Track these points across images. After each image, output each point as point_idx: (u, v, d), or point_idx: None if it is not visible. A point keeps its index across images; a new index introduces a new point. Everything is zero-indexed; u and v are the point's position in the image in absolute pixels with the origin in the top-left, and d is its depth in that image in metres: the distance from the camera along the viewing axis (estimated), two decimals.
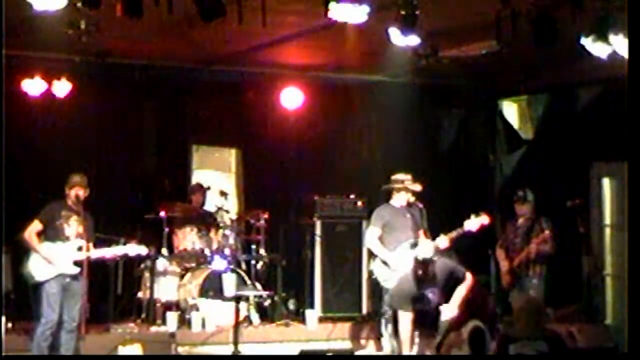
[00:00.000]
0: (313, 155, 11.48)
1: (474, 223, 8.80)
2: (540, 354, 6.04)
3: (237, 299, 9.07)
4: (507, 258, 9.78)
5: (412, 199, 8.94)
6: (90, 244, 8.36)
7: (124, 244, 8.76)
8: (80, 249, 8.27)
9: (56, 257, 8.21)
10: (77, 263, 8.27)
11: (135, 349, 8.61)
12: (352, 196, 10.81)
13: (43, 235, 8.30)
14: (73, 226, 8.35)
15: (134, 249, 8.73)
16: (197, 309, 9.69)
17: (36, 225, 8.27)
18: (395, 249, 8.84)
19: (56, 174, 8.99)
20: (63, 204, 8.39)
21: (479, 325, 6.38)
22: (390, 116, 11.42)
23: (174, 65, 10.63)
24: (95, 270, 8.71)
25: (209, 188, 10.90)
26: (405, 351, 8.30)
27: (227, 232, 10.38)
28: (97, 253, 8.44)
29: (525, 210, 9.78)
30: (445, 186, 11.51)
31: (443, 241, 8.69)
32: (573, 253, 10.54)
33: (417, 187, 8.93)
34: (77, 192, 8.34)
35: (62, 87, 10.00)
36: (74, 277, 8.28)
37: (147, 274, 9.98)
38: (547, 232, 9.56)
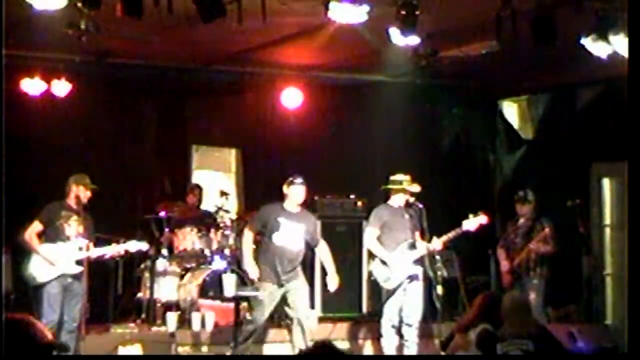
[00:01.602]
0: (313, 155, 11.47)
1: (472, 223, 8.80)
2: (526, 353, 6.02)
3: (237, 299, 9.07)
4: (507, 258, 9.78)
5: (411, 199, 8.92)
6: (91, 244, 8.36)
7: (124, 243, 8.75)
8: (81, 248, 8.27)
9: (58, 258, 8.21)
10: (79, 262, 8.26)
11: (135, 349, 8.61)
12: (352, 196, 10.80)
13: (43, 235, 8.30)
14: (73, 226, 8.35)
15: (135, 245, 8.72)
16: (197, 309, 9.69)
17: (36, 226, 8.27)
18: (394, 250, 8.84)
19: (56, 173, 9.00)
20: (63, 204, 8.39)
21: (488, 328, 6.34)
22: (390, 116, 11.41)
23: (174, 65, 10.62)
24: (95, 271, 8.71)
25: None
26: None
27: (227, 232, 10.37)
28: (98, 251, 8.44)
29: (526, 210, 9.77)
30: (445, 186, 11.51)
31: (437, 244, 8.68)
32: (573, 253, 10.54)
33: (416, 188, 8.91)
34: (78, 192, 8.34)
35: (61, 87, 10.00)
36: (75, 277, 8.28)
37: (147, 274, 9.97)
38: (547, 230, 9.56)
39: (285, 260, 8.56)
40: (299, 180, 8.66)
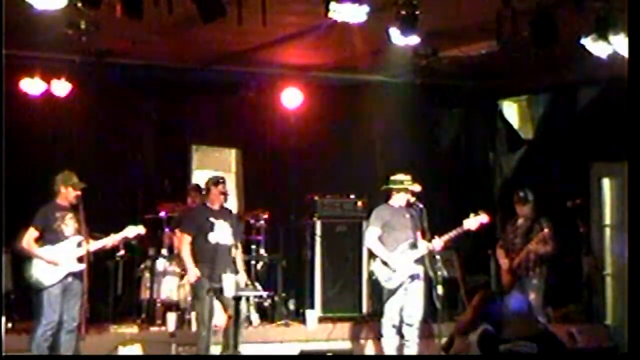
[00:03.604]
0: (313, 156, 11.48)
1: (473, 222, 8.80)
2: (528, 354, 6.01)
3: (237, 299, 9.06)
4: (507, 258, 9.77)
5: (412, 199, 8.92)
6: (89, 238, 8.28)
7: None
8: (79, 244, 8.21)
9: (60, 259, 8.15)
10: (80, 260, 8.21)
11: (135, 349, 8.62)
12: (352, 196, 10.80)
13: (41, 239, 8.19)
14: (70, 224, 8.25)
15: (133, 230, 8.58)
16: None
17: (32, 233, 8.12)
18: (395, 249, 8.84)
19: (56, 173, 8.97)
20: (55, 205, 8.24)
21: (488, 328, 6.33)
22: (390, 116, 11.42)
23: (174, 65, 10.62)
24: (95, 271, 8.68)
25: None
26: None
27: None
28: (97, 244, 8.35)
29: (526, 210, 9.76)
30: (445, 186, 11.52)
31: (438, 243, 8.68)
32: (573, 253, 10.55)
33: (417, 188, 8.91)
34: (67, 194, 8.24)
35: (61, 87, 10.00)
36: (75, 277, 8.20)
37: (147, 274, 9.98)
38: (546, 230, 9.55)
39: (220, 257, 8.62)
40: (222, 179, 8.91)
